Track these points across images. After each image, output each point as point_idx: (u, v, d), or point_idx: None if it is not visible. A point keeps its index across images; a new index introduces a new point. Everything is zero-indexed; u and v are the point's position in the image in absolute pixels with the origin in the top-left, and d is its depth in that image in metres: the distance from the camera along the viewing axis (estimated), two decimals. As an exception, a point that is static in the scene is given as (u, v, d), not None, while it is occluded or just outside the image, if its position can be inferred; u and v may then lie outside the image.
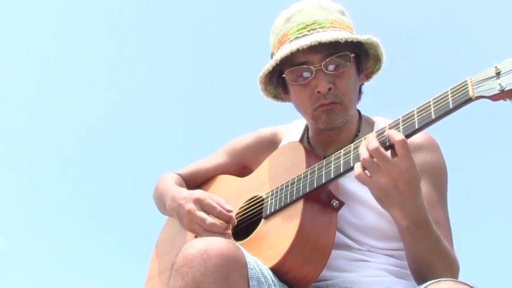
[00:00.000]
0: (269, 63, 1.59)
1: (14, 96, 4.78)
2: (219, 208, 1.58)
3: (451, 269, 1.41)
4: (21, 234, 4.69)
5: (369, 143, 1.32)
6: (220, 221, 1.58)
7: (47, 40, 4.74)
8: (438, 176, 1.56)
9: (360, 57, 1.60)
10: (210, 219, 1.57)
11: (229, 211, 1.60)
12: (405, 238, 1.39)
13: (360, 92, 1.68)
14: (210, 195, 1.65)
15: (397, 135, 1.30)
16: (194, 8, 4.67)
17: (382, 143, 1.33)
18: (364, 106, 1.73)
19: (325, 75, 1.54)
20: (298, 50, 1.52)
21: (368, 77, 1.70)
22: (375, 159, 1.30)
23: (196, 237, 1.65)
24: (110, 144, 4.77)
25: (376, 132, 1.39)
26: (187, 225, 1.63)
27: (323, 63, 1.54)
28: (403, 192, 1.29)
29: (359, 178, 1.32)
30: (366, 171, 1.32)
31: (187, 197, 1.65)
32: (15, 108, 4.78)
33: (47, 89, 4.79)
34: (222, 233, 1.55)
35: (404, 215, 1.32)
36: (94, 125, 4.75)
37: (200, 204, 1.61)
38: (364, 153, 1.31)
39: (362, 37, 1.56)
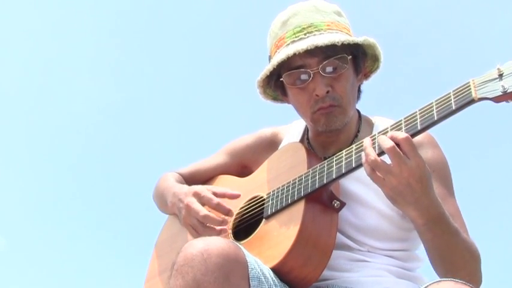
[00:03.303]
0: (266, 68, 1.59)
1: (16, 95, 4.79)
2: (216, 200, 1.57)
3: (473, 260, 1.42)
4: (22, 233, 4.69)
5: (371, 151, 1.32)
6: (219, 214, 1.56)
7: (51, 39, 4.75)
8: (442, 170, 1.57)
9: (357, 57, 1.60)
10: (204, 211, 1.56)
11: (238, 195, 1.59)
12: (424, 236, 1.38)
13: (359, 91, 1.68)
14: (212, 187, 1.64)
15: (400, 134, 1.30)
16: (196, 8, 4.68)
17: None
18: (364, 106, 1.73)
19: (322, 78, 1.54)
20: (295, 54, 1.51)
21: (367, 76, 1.69)
22: (382, 162, 1.30)
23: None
24: (111, 143, 4.78)
25: (378, 133, 1.39)
26: (183, 219, 1.61)
27: (320, 66, 1.53)
28: (416, 189, 1.29)
29: (373, 179, 1.32)
30: (377, 173, 1.31)
31: (187, 192, 1.65)
32: (17, 107, 4.79)
33: (50, 87, 4.80)
34: (218, 228, 1.54)
35: (420, 212, 1.32)
36: (96, 124, 4.76)
37: (198, 197, 1.60)
38: (371, 156, 1.31)
39: (358, 39, 1.55)
